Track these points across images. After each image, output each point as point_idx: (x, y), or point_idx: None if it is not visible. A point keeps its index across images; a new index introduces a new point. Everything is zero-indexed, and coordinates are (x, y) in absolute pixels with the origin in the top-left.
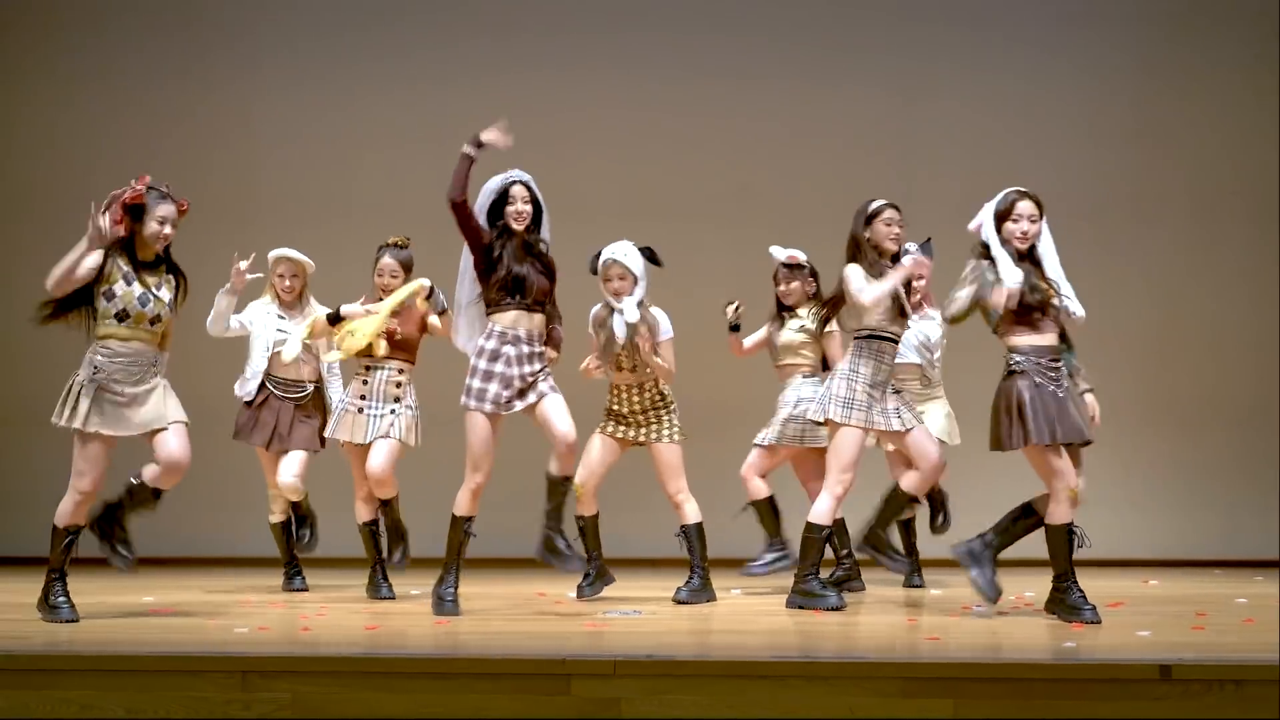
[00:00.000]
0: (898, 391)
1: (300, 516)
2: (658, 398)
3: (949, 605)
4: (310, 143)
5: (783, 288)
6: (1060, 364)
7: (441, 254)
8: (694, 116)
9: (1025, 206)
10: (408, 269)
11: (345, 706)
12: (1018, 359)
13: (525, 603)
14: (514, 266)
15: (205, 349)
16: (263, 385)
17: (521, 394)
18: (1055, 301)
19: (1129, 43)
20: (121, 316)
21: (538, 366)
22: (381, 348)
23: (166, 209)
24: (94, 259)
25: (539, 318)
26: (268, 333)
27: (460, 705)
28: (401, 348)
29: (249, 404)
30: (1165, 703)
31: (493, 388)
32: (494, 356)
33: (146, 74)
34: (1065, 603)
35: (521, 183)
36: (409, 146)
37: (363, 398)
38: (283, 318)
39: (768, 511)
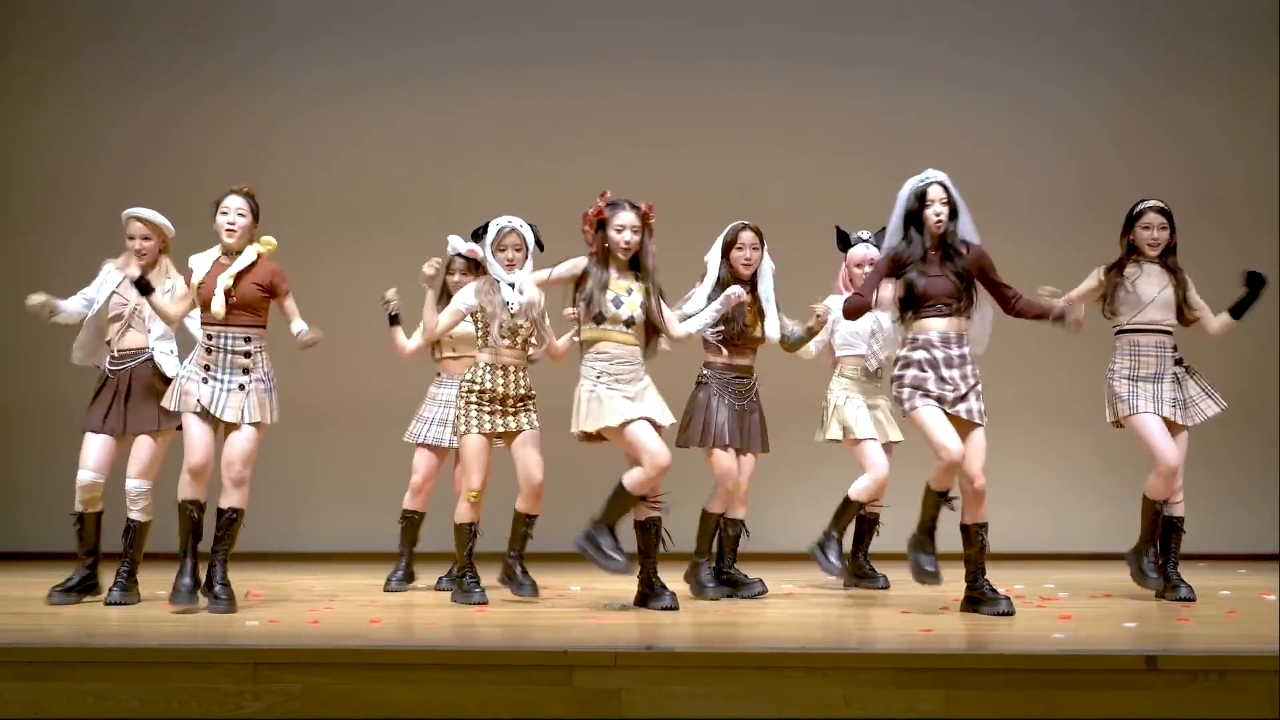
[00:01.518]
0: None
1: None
2: (529, 386)
3: (940, 598)
4: (317, 140)
5: (457, 278)
6: (747, 381)
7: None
8: (692, 118)
9: (747, 237)
10: (255, 215)
11: (353, 696)
12: (705, 373)
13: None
14: (915, 278)
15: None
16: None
17: (963, 398)
18: (755, 333)
19: (1116, 49)
20: (599, 319)
21: (969, 369)
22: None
23: (624, 216)
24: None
25: (955, 320)
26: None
27: (465, 695)
28: (244, 310)
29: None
30: (1150, 692)
31: (930, 383)
32: (925, 364)
33: (152, 74)
34: (698, 579)
35: (939, 183)
36: (415, 144)
37: (207, 368)
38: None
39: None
